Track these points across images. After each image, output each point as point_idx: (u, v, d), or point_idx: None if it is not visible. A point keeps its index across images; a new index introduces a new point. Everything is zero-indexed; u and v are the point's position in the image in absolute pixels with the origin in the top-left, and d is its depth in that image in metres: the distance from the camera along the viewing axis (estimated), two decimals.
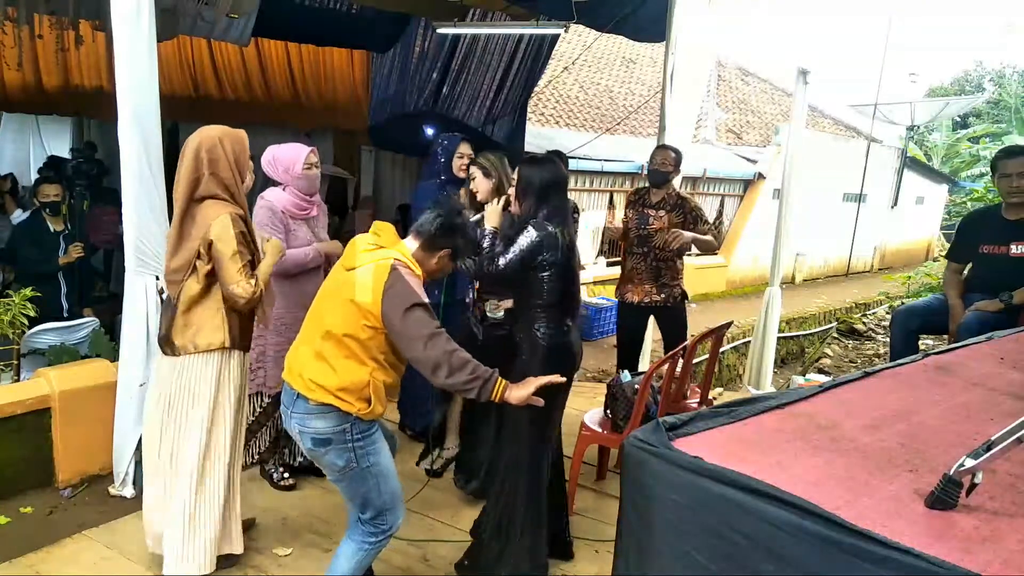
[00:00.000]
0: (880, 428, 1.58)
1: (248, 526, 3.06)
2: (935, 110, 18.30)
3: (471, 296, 3.62)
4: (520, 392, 2.27)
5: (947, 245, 4.13)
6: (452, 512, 3.41)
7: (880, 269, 17.18)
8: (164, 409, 2.68)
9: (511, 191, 2.87)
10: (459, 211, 2.48)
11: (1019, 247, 3.55)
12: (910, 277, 13.02)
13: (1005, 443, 1.26)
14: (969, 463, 1.24)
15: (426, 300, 2.26)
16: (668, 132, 5.65)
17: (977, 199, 11.20)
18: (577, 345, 2.85)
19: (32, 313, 3.69)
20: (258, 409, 3.45)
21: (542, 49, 6.81)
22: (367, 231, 2.46)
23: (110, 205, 5.32)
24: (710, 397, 3.95)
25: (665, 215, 4.27)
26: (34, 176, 7.26)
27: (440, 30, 6.26)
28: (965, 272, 3.88)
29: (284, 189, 3.34)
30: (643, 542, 1.39)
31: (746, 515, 1.20)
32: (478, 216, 2.99)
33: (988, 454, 1.24)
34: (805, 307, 11.95)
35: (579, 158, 9.12)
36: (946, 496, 1.23)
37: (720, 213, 13.12)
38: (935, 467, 1.35)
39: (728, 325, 4.05)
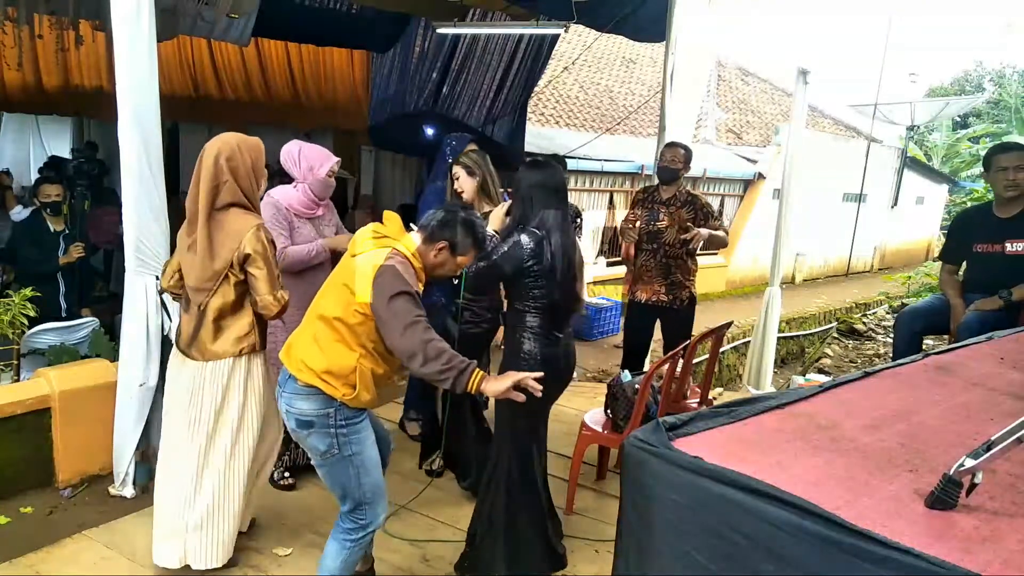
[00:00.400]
0: (880, 428, 1.58)
1: (248, 526, 3.06)
2: (935, 110, 18.28)
3: (443, 300, 3.62)
4: (497, 385, 2.23)
5: None
6: (452, 512, 3.41)
7: (880, 269, 17.17)
8: (194, 414, 2.69)
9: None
10: (467, 209, 2.49)
11: (1014, 244, 3.50)
12: (910, 277, 13.04)
13: (1005, 443, 1.26)
14: (969, 463, 1.23)
15: (414, 290, 2.26)
16: (668, 132, 5.66)
17: (977, 199, 11.20)
18: (565, 358, 2.80)
19: (32, 313, 3.68)
20: None
21: (542, 49, 6.82)
22: None
23: (111, 205, 5.31)
24: (710, 397, 3.95)
25: (676, 212, 4.29)
26: (34, 176, 7.26)
27: (440, 30, 6.27)
28: (960, 273, 3.84)
29: (296, 187, 3.32)
30: (643, 542, 1.39)
31: (746, 515, 1.20)
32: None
33: (988, 454, 1.24)
34: (805, 307, 11.95)
35: (579, 158, 9.12)
36: (946, 496, 1.23)
37: (720, 213, 13.11)
38: (935, 467, 1.35)
39: (728, 325, 4.06)
